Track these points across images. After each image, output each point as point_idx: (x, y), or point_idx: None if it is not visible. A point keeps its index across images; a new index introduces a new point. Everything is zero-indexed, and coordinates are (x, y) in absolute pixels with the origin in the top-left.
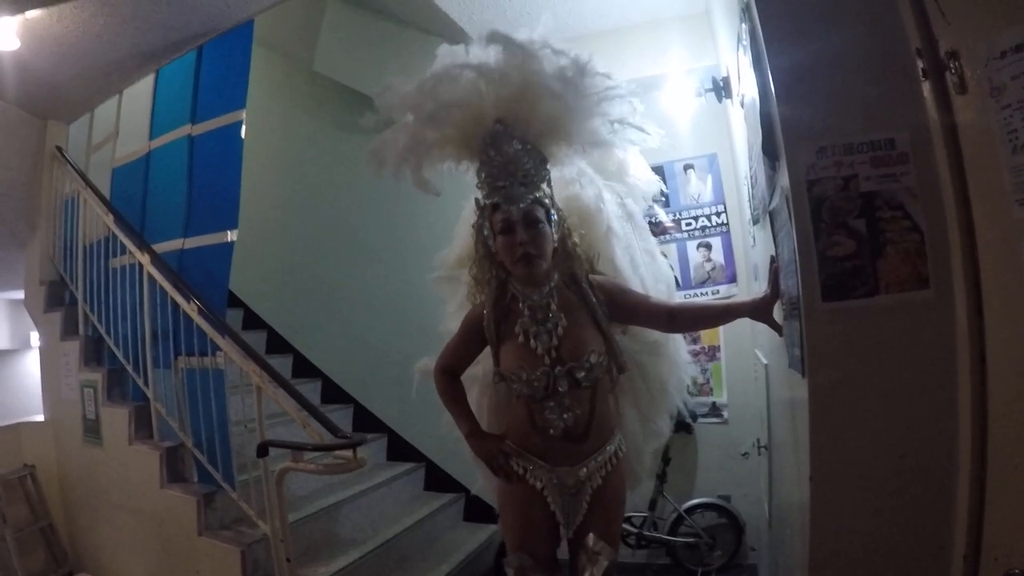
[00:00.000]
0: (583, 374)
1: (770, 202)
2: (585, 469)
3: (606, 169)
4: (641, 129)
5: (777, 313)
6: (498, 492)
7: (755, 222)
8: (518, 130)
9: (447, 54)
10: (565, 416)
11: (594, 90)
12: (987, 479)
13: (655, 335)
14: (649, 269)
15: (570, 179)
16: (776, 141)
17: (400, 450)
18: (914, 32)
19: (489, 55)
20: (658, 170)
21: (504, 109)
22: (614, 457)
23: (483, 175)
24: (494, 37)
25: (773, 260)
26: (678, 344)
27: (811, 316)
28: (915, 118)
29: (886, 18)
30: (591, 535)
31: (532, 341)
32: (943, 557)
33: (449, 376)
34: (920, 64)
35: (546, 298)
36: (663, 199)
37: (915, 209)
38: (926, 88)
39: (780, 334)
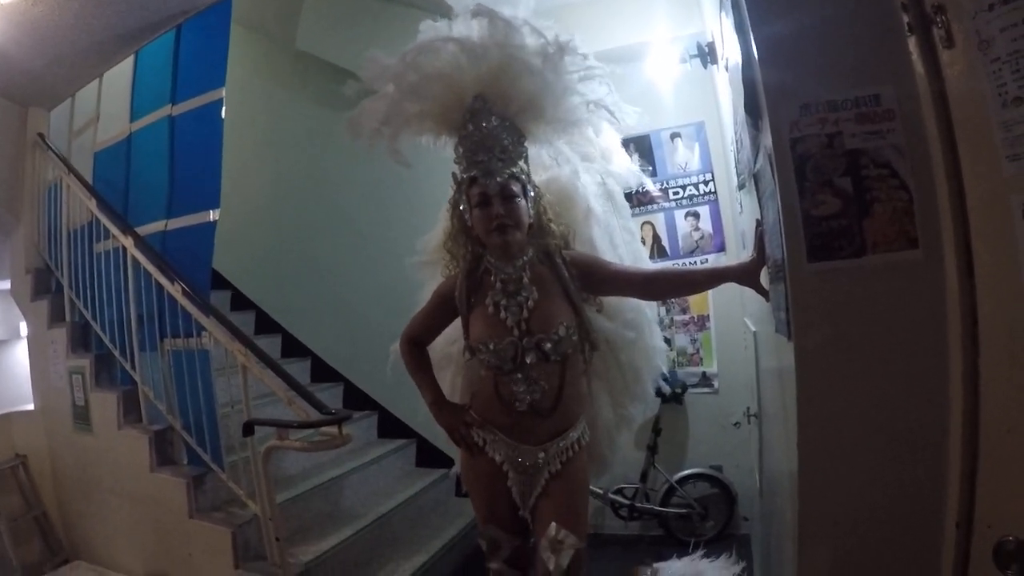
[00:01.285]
0: (550, 346)
1: (755, 164)
2: (544, 453)
3: (589, 155)
4: (612, 114)
5: (765, 278)
6: (462, 467)
7: (741, 187)
8: (497, 106)
9: (430, 29)
10: (532, 389)
11: (573, 69)
12: (979, 444)
13: (631, 312)
14: (629, 248)
15: (549, 163)
16: (759, 100)
17: (391, 427)
18: None
19: (472, 30)
20: (645, 140)
21: (484, 84)
22: (576, 444)
23: (461, 149)
24: (479, 11)
25: (758, 223)
26: (653, 330)
27: (796, 277)
28: (901, 74)
29: None
30: (553, 524)
31: (502, 312)
32: (935, 525)
33: (415, 346)
34: (906, 18)
35: (519, 271)
36: (649, 168)
37: (902, 167)
38: (912, 43)
39: (767, 299)
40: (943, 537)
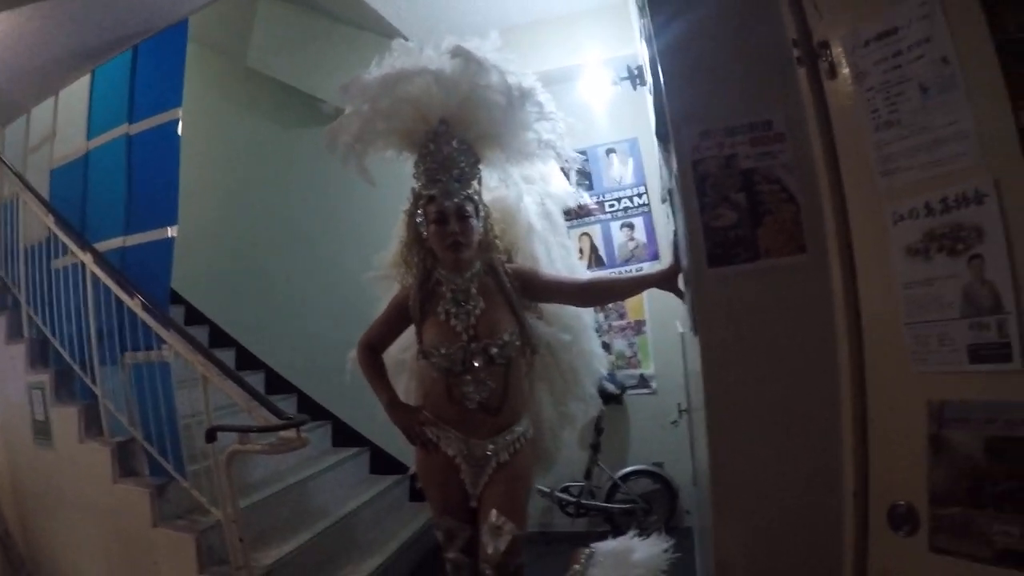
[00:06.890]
0: (496, 351)
1: (669, 182)
2: (492, 445)
3: (530, 177)
4: (559, 155)
5: (682, 283)
6: (417, 463)
7: (664, 201)
8: (458, 130)
9: (403, 51)
10: (481, 388)
11: (532, 110)
12: (868, 422)
13: (569, 319)
14: (566, 263)
15: (495, 184)
16: (666, 126)
17: (345, 436)
18: (791, 24)
19: (444, 61)
20: (581, 154)
21: (450, 111)
22: (522, 438)
23: (422, 167)
24: (457, 52)
25: (675, 233)
26: (590, 335)
27: (699, 281)
28: (791, 101)
29: (765, 12)
30: (494, 511)
31: (452, 320)
32: (835, 495)
33: (371, 351)
34: (796, 53)
35: (467, 283)
36: (587, 182)
37: (791, 182)
38: (801, 74)
39: (684, 301)
40: (844, 506)
